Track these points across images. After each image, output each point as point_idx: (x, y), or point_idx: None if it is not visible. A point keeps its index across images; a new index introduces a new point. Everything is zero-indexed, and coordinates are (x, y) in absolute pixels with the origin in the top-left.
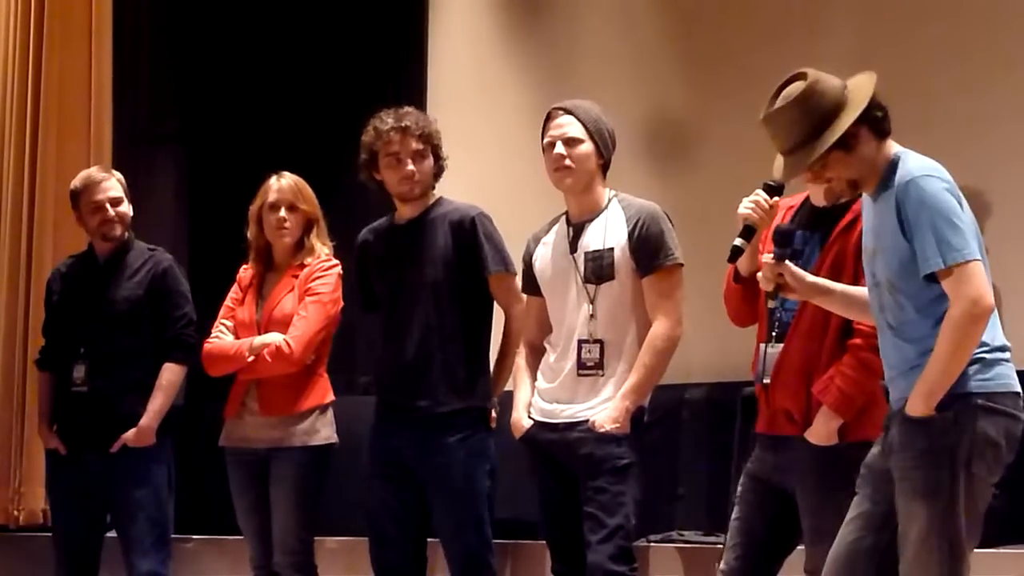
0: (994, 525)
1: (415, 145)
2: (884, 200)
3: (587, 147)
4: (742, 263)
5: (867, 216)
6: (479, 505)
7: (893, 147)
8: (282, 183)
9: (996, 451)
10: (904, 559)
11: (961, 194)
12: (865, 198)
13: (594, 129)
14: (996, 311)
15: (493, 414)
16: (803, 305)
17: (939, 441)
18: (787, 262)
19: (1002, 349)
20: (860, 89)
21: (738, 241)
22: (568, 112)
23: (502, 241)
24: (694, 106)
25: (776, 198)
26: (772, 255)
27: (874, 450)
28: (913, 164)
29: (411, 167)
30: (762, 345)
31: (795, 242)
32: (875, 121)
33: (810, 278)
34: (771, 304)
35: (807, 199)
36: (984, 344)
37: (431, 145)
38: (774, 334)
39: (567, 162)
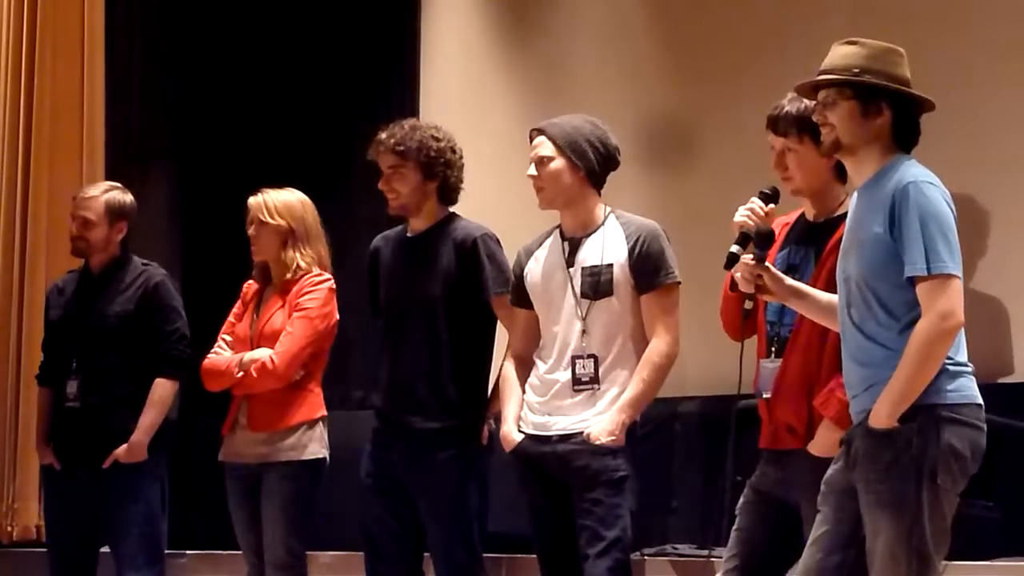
0: (990, 538)
1: (390, 160)
2: (872, 196)
3: (557, 164)
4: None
5: (851, 212)
6: (469, 522)
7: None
8: (251, 200)
9: (961, 463)
10: (872, 573)
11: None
12: (853, 196)
13: (565, 144)
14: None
15: (486, 431)
16: (800, 320)
17: (904, 453)
18: (766, 263)
19: (965, 364)
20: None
21: (734, 248)
22: (540, 132)
23: (505, 262)
24: (686, 120)
25: (771, 205)
26: (752, 256)
27: (835, 465)
28: (917, 170)
29: (383, 183)
30: (762, 360)
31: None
32: (905, 123)
33: (788, 281)
34: (748, 305)
35: (802, 215)
36: (948, 357)
37: (416, 161)
38: (773, 349)
39: (538, 182)
